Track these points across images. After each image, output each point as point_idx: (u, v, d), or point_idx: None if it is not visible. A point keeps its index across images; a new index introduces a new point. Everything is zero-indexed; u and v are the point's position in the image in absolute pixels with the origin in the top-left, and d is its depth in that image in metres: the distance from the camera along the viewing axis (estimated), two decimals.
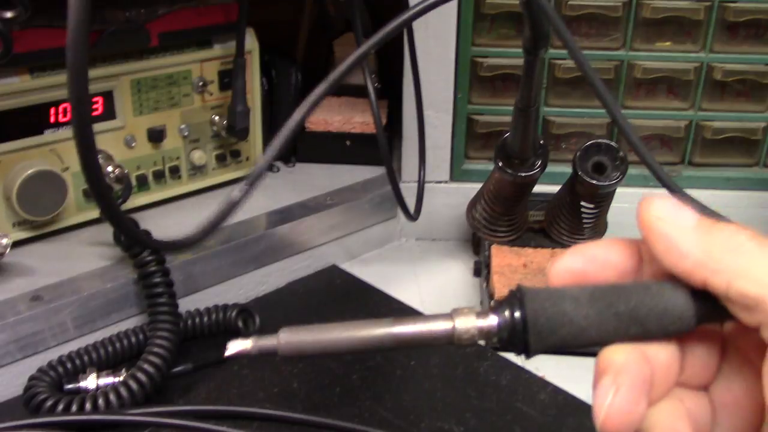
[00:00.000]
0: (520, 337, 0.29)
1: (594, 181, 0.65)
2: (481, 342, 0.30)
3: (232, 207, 0.46)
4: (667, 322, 0.29)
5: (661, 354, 0.29)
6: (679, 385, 0.31)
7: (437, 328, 0.30)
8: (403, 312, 0.71)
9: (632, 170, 0.70)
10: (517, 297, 0.30)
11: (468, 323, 0.30)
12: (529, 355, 0.30)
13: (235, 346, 0.31)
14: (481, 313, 0.30)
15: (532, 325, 0.29)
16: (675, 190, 0.50)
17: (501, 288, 0.66)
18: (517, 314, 0.29)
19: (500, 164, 0.65)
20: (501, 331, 0.30)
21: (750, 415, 0.30)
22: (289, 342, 0.31)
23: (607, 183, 0.65)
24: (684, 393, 0.31)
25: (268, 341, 0.31)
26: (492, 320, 0.30)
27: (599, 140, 0.67)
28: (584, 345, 0.30)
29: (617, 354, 0.29)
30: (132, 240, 0.59)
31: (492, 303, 0.32)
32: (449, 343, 0.30)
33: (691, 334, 0.30)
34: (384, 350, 0.31)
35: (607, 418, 0.27)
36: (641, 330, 0.29)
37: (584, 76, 0.47)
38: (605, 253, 0.31)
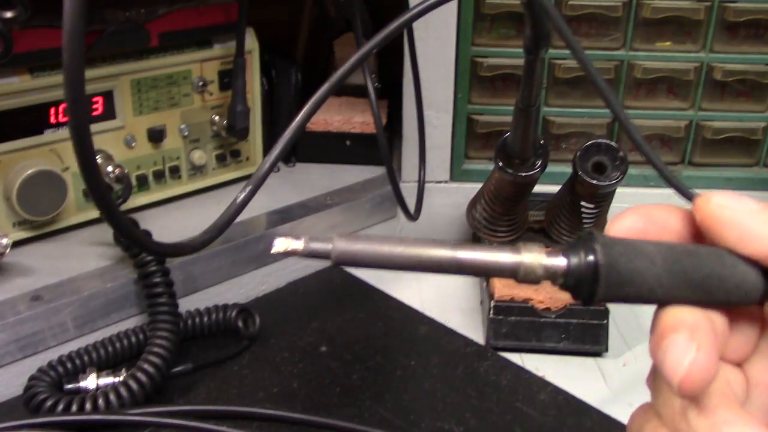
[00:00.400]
0: (588, 284, 0.28)
1: (594, 181, 0.65)
2: (545, 281, 0.29)
3: (237, 211, 0.46)
4: (735, 296, 0.29)
5: (718, 321, 0.29)
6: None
7: (503, 260, 0.28)
8: (404, 312, 0.71)
9: (632, 170, 0.70)
10: (590, 242, 0.28)
11: (536, 259, 0.28)
12: (589, 303, 0.29)
13: (282, 244, 0.30)
14: (551, 252, 0.29)
15: (604, 275, 0.28)
16: (681, 188, 0.50)
17: (501, 288, 0.66)
18: (590, 259, 0.28)
19: (500, 164, 0.65)
20: (569, 274, 0.28)
21: None
22: (345, 250, 0.30)
23: (607, 183, 0.65)
24: (722, 366, 0.30)
25: (322, 245, 0.30)
26: (561, 261, 0.28)
27: (599, 140, 0.67)
28: (647, 302, 0.29)
29: (686, 313, 0.28)
30: (133, 244, 0.59)
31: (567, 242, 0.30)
32: (512, 276, 0.28)
33: (737, 309, 0.30)
34: (442, 272, 0.29)
35: (689, 375, 0.26)
36: (708, 298, 0.29)
37: (588, 77, 0.47)
38: (666, 217, 0.31)
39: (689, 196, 0.53)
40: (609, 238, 0.29)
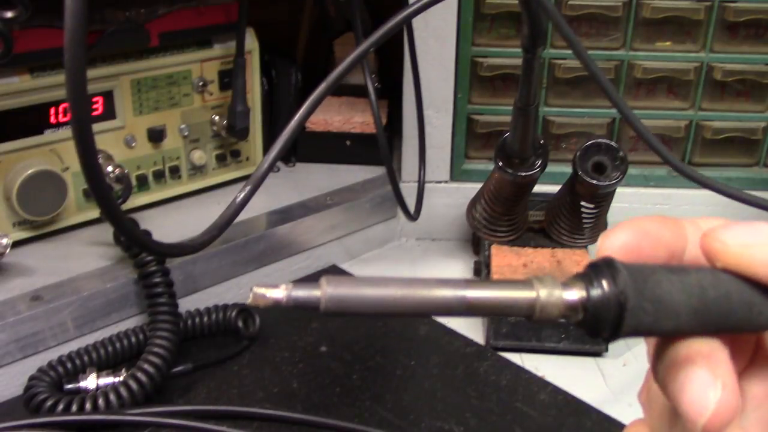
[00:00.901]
0: (611, 320, 0.25)
1: (594, 181, 0.65)
2: (562, 320, 0.26)
3: (236, 211, 0.46)
4: (752, 327, 0.27)
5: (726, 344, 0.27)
6: None
7: (517, 298, 0.25)
8: None
9: (632, 170, 0.70)
10: (611, 272, 0.25)
11: (553, 295, 0.25)
12: (610, 341, 0.26)
13: (259, 295, 0.25)
14: (568, 284, 0.26)
15: (631, 310, 0.25)
16: (697, 178, 0.50)
17: None
18: (613, 293, 0.25)
19: (500, 164, 0.65)
20: (590, 310, 0.25)
21: None
22: (336, 296, 0.25)
23: (607, 183, 0.65)
24: None
25: (309, 292, 0.25)
26: (581, 294, 0.25)
27: (599, 140, 0.67)
28: (664, 335, 0.27)
29: (700, 343, 0.26)
30: (134, 243, 0.59)
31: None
32: (527, 316, 0.26)
33: None
34: (450, 315, 0.26)
35: (716, 416, 0.24)
36: (727, 329, 0.27)
37: (591, 76, 0.48)
38: (658, 230, 0.28)
39: (704, 183, 0.53)
40: (629, 265, 0.26)
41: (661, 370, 0.27)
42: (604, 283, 0.25)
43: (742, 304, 0.26)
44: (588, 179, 0.65)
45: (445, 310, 0.26)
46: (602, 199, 0.69)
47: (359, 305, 0.25)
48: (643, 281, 0.25)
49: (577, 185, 0.68)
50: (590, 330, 0.26)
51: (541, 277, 0.26)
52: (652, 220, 0.29)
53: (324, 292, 0.25)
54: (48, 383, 0.56)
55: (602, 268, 0.26)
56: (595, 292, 0.25)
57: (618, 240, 0.28)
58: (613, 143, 0.66)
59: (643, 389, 0.30)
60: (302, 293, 0.25)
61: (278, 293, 0.25)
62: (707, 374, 0.25)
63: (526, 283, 0.26)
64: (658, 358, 0.27)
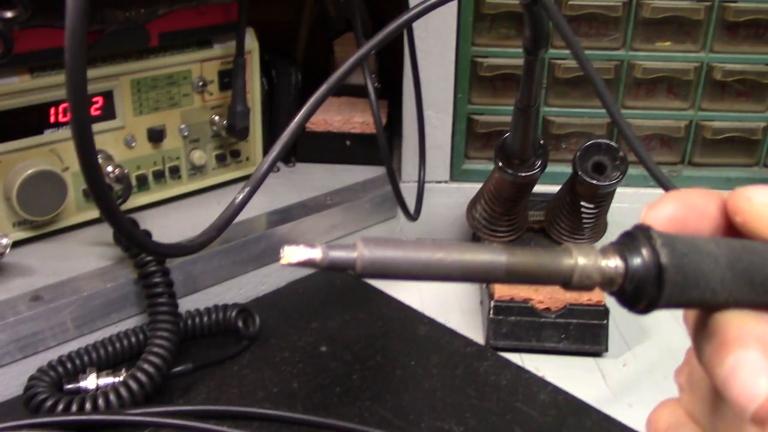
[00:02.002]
0: (651, 289, 0.25)
1: (594, 181, 0.65)
2: (599, 288, 0.25)
3: (236, 211, 0.46)
4: None
5: None
6: None
7: (557, 264, 0.25)
8: (404, 312, 0.71)
9: (632, 170, 0.70)
10: (649, 240, 0.25)
11: (592, 262, 0.25)
12: (647, 311, 0.25)
13: (293, 254, 0.24)
14: (606, 253, 0.25)
15: (671, 279, 0.24)
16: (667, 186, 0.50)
17: (501, 288, 0.66)
18: (654, 260, 0.24)
19: (500, 164, 0.65)
20: (629, 278, 0.25)
21: None
22: (373, 258, 0.24)
23: (607, 183, 0.65)
24: None
25: (344, 253, 0.24)
26: (619, 263, 0.25)
27: (599, 140, 0.67)
28: (708, 307, 0.26)
29: (753, 323, 0.25)
30: (134, 244, 0.59)
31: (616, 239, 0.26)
32: (564, 284, 0.25)
33: None
34: (487, 281, 0.26)
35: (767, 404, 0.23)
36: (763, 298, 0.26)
37: (585, 76, 0.48)
38: (705, 203, 0.27)
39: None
40: (666, 234, 0.25)
41: (708, 350, 0.25)
42: (644, 252, 0.25)
43: None
44: (588, 179, 0.65)
45: (483, 275, 0.25)
46: (602, 199, 0.69)
47: (396, 268, 0.24)
48: (683, 250, 0.25)
49: (577, 185, 0.68)
50: (628, 300, 0.25)
51: (580, 246, 0.25)
52: (698, 194, 0.28)
53: (360, 253, 0.24)
54: (48, 383, 0.56)
55: (639, 236, 0.25)
56: (635, 261, 0.25)
57: (664, 212, 0.27)
58: (613, 143, 0.66)
59: (683, 368, 0.29)
60: (339, 254, 0.24)
61: (314, 253, 0.24)
62: (759, 359, 0.23)
63: (564, 250, 0.25)
64: (702, 335, 0.26)
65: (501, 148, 0.65)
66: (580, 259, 0.25)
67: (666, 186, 0.52)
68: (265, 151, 0.83)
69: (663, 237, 0.25)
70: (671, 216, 0.27)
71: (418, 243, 0.25)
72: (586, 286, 0.25)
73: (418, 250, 0.25)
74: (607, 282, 0.25)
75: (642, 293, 0.25)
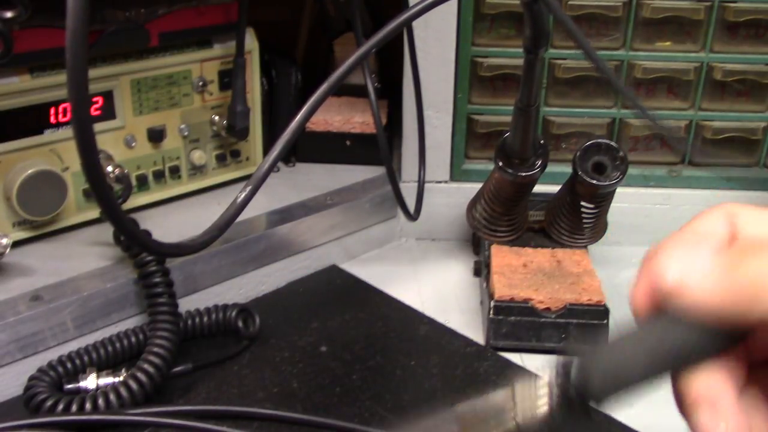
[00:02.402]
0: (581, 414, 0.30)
1: (594, 181, 0.65)
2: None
3: (237, 211, 0.46)
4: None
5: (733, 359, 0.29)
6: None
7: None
8: (404, 312, 0.71)
9: (632, 170, 0.70)
10: (566, 376, 0.30)
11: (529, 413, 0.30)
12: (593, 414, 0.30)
13: None
14: (540, 397, 0.30)
15: (590, 397, 0.29)
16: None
17: (501, 288, 0.66)
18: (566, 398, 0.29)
19: (500, 164, 0.65)
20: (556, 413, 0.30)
21: None
22: None
23: (607, 183, 0.66)
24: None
25: None
26: (545, 407, 0.30)
27: (599, 140, 0.67)
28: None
29: (703, 383, 0.29)
30: (135, 243, 0.59)
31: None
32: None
33: None
34: None
35: None
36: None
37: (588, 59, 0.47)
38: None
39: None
40: (586, 360, 0.30)
41: (680, 408, 0.29)
42: (559, 390, 0.30)
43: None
44: (588, 179, 0.65)
45: None
46: (602, 199, 0.69)
47: None
48: (601, 370, 0.30)
49: (577, 185, 0.68)
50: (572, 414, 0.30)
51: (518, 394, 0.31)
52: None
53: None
54: (48, 383, 0.56)
55: (560, 371, 0.30)
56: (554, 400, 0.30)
57: (641, 292, 0.30)
58: (613, 143, 0.67)
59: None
60: None
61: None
62: (712, 419, 0.28)
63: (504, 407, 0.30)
64: (675, 396, 0.30)
65: (501, 148, 0.65)
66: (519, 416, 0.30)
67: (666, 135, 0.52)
68: (266, 151, 0.83)
69: (580, 367, 0.29)
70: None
71: None
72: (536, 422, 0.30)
73: None
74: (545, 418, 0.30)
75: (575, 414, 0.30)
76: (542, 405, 0.29)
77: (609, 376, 0.29)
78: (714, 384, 0.28)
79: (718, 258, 0.27)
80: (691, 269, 0.28)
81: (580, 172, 0.66)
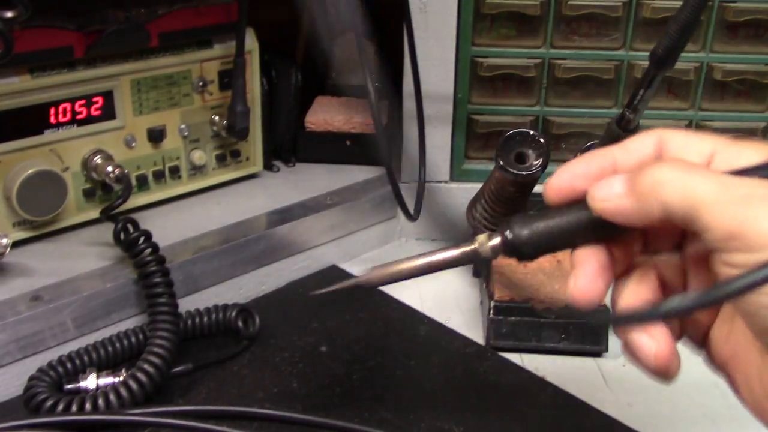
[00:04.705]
0: (514, 250, 0.38)
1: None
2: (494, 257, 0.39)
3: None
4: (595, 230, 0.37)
5: (619, 247, 0.38)
6: (651, 251, 0.38)
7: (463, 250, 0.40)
8: (404, 312, 0.71)
9: None
10: (509, 224, 0.38)
11: (482, 244, 0.39)
12: (528, 259, 0.39)
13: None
14: (492, 236, 0.39)
15: (520, 243, 0.38)
16: None
17: (501, 288, 0.66)
18: (508, 234, 0.38)
19: (501, 163, 0.65)
20: (505, 248, 0.38)
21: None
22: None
23: None
24: (659, 258, 0.38)
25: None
26: (497, 241, 0.39)
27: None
28: (562, 248, 0.38)
29: (579, 249, 0.38)
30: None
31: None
32: (474, 260, 0.40)
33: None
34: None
35: (572, 295, 0.37)
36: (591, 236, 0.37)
37: None
38: (585, 168, 0.38)
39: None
40: (524, 215, 0.38)
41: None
42: (502, 232, 0.39)
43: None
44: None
45: (422, 273, 0.42)
46: None
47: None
48: (534, 224, 0.38)
49: None
50: (512, 255, 0.39)
51: (478, 236, 0.39)
52: (580, 161, 0.38)
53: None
54: (48, 383, 0.56)
55: (504, 222, 0.39)
56: (500, 237, 0.39)
57: (554, 184, 0.38)
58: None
59: None
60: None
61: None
62: (575, 276, 0.38)
63: (468, 242, 0.40)
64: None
65: (502, 147, 0.65)
66: (476, 244, 0.39)
67: None
68: (265, 151, 0.83)
69: (517, 219, 0.38)
70: (558, 187, 0.38)
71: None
72: (489, 257, 0.39)
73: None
74: (497, 252, 0.39)
75: (512, 253, 0.39)
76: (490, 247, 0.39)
77: (534, 237, 0.38)
78: (588, 253, 0.37)
79: (630, 175, 0.34)
80: (609, 190, 0.35)
81: None
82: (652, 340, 0.35)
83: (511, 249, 0.38)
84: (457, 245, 0.40)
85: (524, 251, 0.38)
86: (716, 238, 0.31)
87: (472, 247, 0.39)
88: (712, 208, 0.31)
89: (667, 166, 0.33)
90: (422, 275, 0.41)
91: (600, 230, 0.37)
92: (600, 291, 0.38)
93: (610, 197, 0.35)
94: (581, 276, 0.37)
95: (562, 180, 0.38)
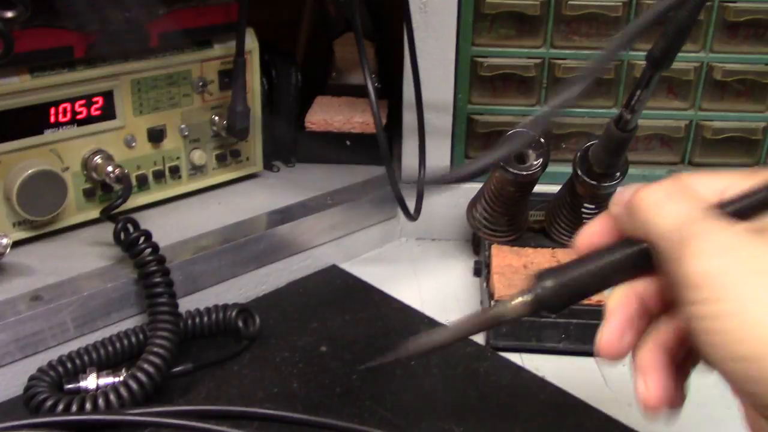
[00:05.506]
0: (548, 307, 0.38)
1: (594, 182, 0.65)
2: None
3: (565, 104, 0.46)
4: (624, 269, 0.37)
5: (647, 288, 0.37)
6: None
7: (493, 317, 0.40)
8: (404, 312, 0.71)
9: (632, 170, 0.70)
10: (539, 279, 0.38)
11: (512, 303, 0.39)
12: (558, 311, 0.39)
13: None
14: (519, 295, 0.39)
15: (553, 299, 0.38)
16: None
17: (501, 288, 0.66)
18: (537, 291, 0.38)
19: (501, 163, 0.65)
20: (535, 307, 0.38)
21: None
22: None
23: (607, 184, 0.65)
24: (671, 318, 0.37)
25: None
26: (527, 299, 0.38)
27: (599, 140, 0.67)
28: (591, 294, 0.38)
29: (611, 300, 0.38)
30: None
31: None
32: (508, 321, 0.39)
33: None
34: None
35: (598, 348, 0.37)
36: (615, 278, 0.38)
37: None
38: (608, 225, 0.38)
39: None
40: (554, 269, 0.38)
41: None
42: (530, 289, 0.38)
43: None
44: (588, 180, 0.65)
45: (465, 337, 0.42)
46: (603, 200, 0.69)
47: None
48: (563, 277, 0.38)
49: (577, 185, 0.68)
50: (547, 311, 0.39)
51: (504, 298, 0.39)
52: (600, 222, 0.39)
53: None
54: (48, 383, 0.56)
55: (536, 279, 0.39)
56: (534, 295, 0.38)
57: (584, 240, 0.39)
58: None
59: None
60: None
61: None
62: (602, 327, 0.37)
63: (498, 303, 0.40)
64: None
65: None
66: (507, 305, 0.39)
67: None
68: (265, 151, 0.83)
69: (548, 274, 0.38)
70: (588, 243, 0.38)
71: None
72: (520, 315, 0.39)
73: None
74: (524, 312, 0.38)
75: (542, 309, 0.39)
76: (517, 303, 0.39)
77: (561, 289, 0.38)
78: (623, 298, 0.37)
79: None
80: (620, 196, 0.37)
81: (580, 173, 0.66)
82: (643, 383, 0.36)
83: (541, 305, 0.38)
84: (486, 309, 0.41)
85: (553, 304, 0.38)
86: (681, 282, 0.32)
87: (501, 309, 0.39)
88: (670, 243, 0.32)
89: (656, 189, 0.34)
90: (455, 343, 0.42)
91: (632, 268, 0.37)
92: (626, 345, 0.37)
93: (616, 202, 0.37)
94: (607, 328, 0.37)
95: (593, 232, 0.39)
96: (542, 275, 0.38)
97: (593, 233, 0.39)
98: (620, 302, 0.37)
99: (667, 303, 0.37)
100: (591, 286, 0.38)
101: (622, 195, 0.36)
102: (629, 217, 0.36)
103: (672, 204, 0.34)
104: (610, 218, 0.38)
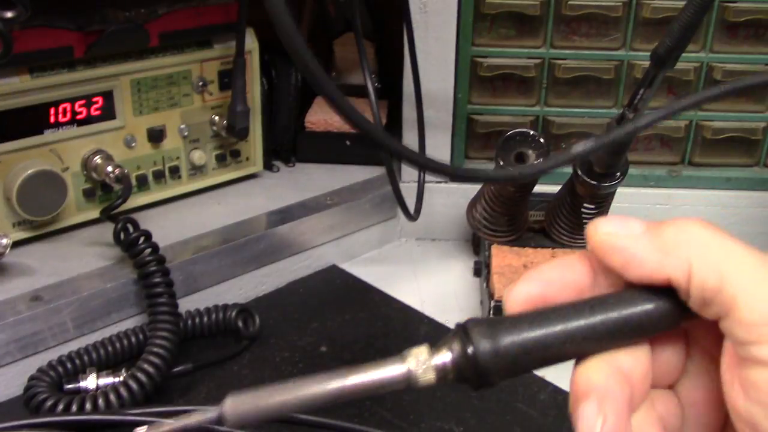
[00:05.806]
0: (477, 375, 0.28)
1: (594, 182, 0.65)
2: (440, 382, 0.29)
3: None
4: (646, 329, 0.29)
5: (638, 365, 0.29)
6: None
7: (391, 375, 0.29)
8: (404, 312, 0.71)
9: (632, 170, 0.70)
10: (466, 332, 0.29)
11: (423, 364, 0.29)
12: (486, 388, 0.29)
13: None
14: (436, 350, 0.29)
15: (491, 362, 0.28)
16: None
17: (501, 288, 0.66)
18: (469, 351, 0.28)
19: (501, 163, 0.65)
20: (456, 369, 0.28)
21: (717, 412, 0.30)
22: (235, 410, 0.28)
23: (607, 183, 0.65)
24: (654, 393, 0.31)
25: (206, 416, 0.28)
26: (447, 357, 0.29)
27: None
28: (560, 362, 0.30)
29: (596, 374, 0.29)
30: (435, 170, 0.39)
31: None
32: (408, 388, 0.28)
33: (656, 336, 0.30)
34: (340, 402, 0.28)
35: None
36: (618, 342, 0.29)
37: None
38: (561, 274, 0.30)
39: None
40: (489, 320, 0.29)
41: (570, 401, 0.30)
42: (459, 345, 0.28)
43: (626, 317, 0.28)
44: (588, 180, 0.65)
45: (333, 401, 0.28)
46: (603, 200, 0.69)
47: (260, 415, 0.28)
48: (505, 332, 0.28)
49: (577, 186, 0.67)
50: (466, 383, 0.28)
51: (414, 349, 0.29)
52: (554, 267, 0.30)
53: (225, 409, 0.27)
54: (48, 383, 0.56)
55: (460, 330, 0.29)
56: (455, 353, 0.28)
57: (521, 294, 0.30)
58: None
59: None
60: (200, 417, 0.28)
61: (175, 424, 0.28)
62: (593, 410, 0.30)
63: (399, 357, 0.29)
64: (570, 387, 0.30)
65: (502, 147, 0.65)
66: (411, 362, 0.28)
67: None
68: (265, 151, 0.83)
69: (479, 325, 0.28)
70: (528, 296, 0.30)
71: (275, 388, 0.28)
72: (427, 384, 0.28)
73: (274, 395, 0.28)
74: (443, 376, 0.28)
75: (473, 379, 0.28)
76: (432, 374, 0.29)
77: (516, 359, 0.29)
78: (613, 375, 0.29)
79: (650, 222, 0.29)
80: (622, 226, 0.29)
81: (579, 173, 0.66)
82: (600, 417, 0.29)
83: (464, 374, 0.28)
84: (378, 363, 0.29)
85: (493, 374, 0.28)
86: (748, 322, 0.26)
87: (402, 370, 0.29)
88: (748, 285, 0.26)
89: (700, 224, 0.28)
90: (319, 408, 0.29)
91: (649, 326, 0.29)
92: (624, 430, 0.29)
93: (621, 233, 0.29)
94: (611, 416, 0.29)
95: (532, 289, 0.30)
96: (473, 327, 0.28)
97: (534, 296, 0.30)
98: (611, 379, 0.29)
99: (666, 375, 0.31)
100: (548, 356, 0.30)
101: (625, 222, 0.29)
102: (662, 248, 0.28)
103: (737, 246, 0.27)
104: (584, 261, 0.30)
